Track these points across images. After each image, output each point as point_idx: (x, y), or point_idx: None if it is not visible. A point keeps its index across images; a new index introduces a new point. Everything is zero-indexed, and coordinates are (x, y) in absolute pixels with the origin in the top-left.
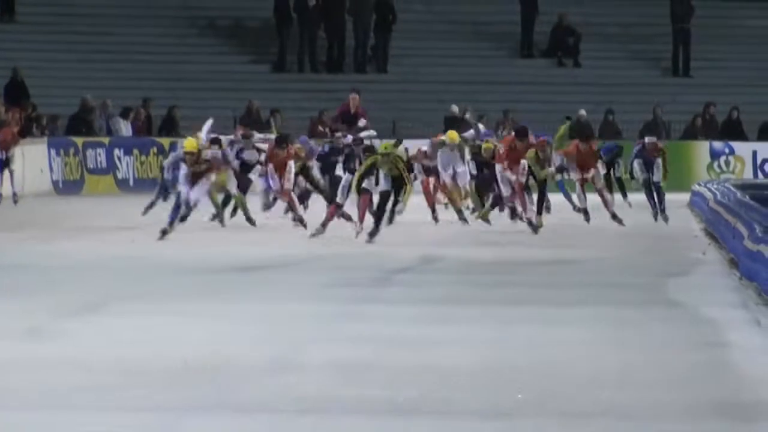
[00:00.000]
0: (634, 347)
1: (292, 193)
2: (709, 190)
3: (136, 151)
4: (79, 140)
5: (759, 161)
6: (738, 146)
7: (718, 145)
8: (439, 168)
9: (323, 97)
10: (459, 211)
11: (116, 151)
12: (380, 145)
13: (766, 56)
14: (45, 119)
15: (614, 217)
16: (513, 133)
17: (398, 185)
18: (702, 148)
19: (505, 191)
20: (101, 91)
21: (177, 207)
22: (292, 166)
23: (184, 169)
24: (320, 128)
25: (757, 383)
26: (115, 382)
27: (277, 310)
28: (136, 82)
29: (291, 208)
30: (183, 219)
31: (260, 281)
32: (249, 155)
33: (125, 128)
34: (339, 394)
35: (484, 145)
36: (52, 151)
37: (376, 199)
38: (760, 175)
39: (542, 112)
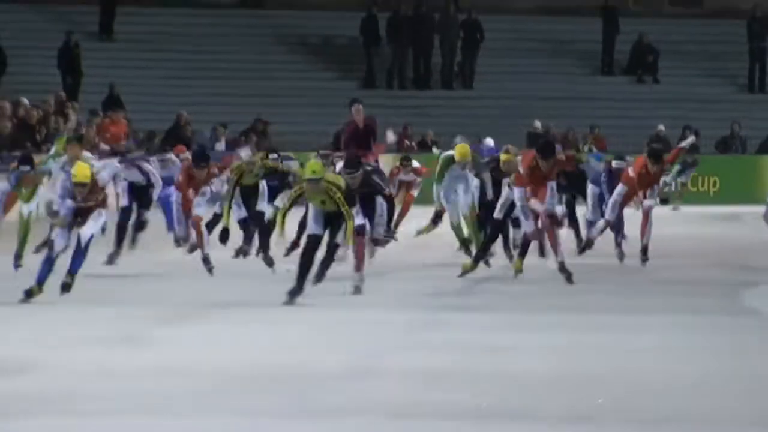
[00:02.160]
0: (707, 355)
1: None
2: None
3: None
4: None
5: None
6: None
7: None
8: (441, 193)
9: (411, 112)
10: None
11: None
12: (307, 166)
13: None
14: (140, 134)
15: (644, 250)
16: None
17: (334, 223)
18: None
19: (527, 226)
20: (194, 107)
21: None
22: (208, 190)
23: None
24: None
25: None
26: (209, 387)
27: (361, 318)
28: (229, 98)
29: (198, 243)
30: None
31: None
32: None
33: (221, 143)
34: (422, 399)
35: (503, 157)
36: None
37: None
38: None
39: (622, 127)
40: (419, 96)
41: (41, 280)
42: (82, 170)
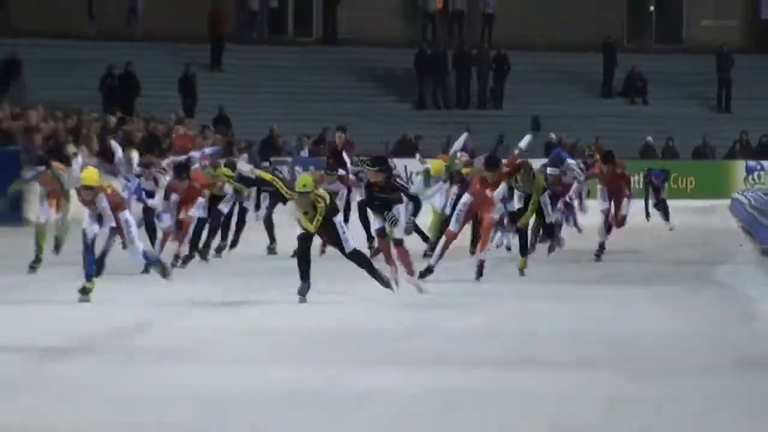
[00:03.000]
0: (679, 319)
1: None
2: (745, 197)
3: (311, 168)
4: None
5: None
6: (767, 164)
7: (752, 163)
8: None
9: (453, 128)
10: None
11: (296, 168)
12: (298, 180)
13: None
14: (242, 143)
15: (600, 247)
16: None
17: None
18: (740, 166)
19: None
20: (284, 122)
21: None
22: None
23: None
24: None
25: None
26: (303, 342)
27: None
28: (310, 116)
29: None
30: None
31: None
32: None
33: (305, 151)
34: (460, 349)
35: (464, 170)
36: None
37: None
38: None
39: (619, 138)
40: (460, 114)
41: (90, 274)
42: (90, 174)
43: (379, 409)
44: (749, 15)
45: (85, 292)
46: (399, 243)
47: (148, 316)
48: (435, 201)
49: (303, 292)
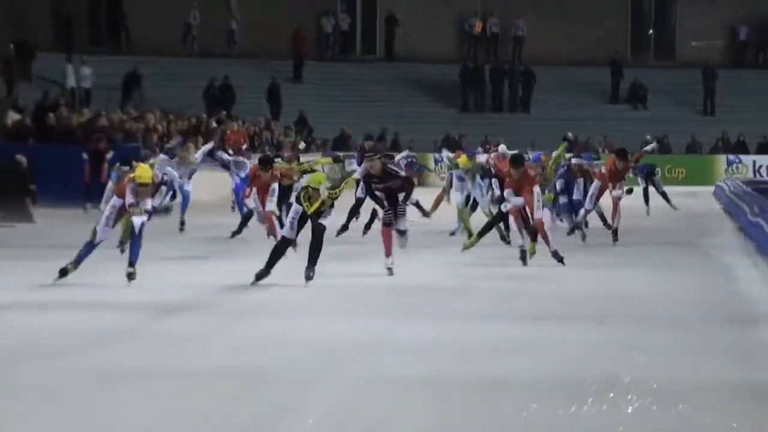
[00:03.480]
0: (673, 282)
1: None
2: (726, 184)
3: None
4: (341, 153)
5: (757, 167)
6: (744, 158)
7: (731, 157)
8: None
9: (489, 130)
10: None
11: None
12: (311, 177)
13: (763, 104)
14: (319, 141)
15: (614, 233)
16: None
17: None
18: (721, 159)
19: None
20: (353, 124)
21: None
22: (275, 188)
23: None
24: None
25: (753, 300)
26: (375, 298)
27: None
28: (374, 119)
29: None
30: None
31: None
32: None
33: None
34: (497, 309)
35: (462, 161)
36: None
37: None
38: (758, 176)
39: (624, 137)
40: (495, 117)
41: (79, 261)
42: (145, 172)
43: (440, 353)
44: (730, 37)
45: (64, 273)
46: (388, 224)
47: (247, 279)
48: (457, 197)
49: (260, 277)
